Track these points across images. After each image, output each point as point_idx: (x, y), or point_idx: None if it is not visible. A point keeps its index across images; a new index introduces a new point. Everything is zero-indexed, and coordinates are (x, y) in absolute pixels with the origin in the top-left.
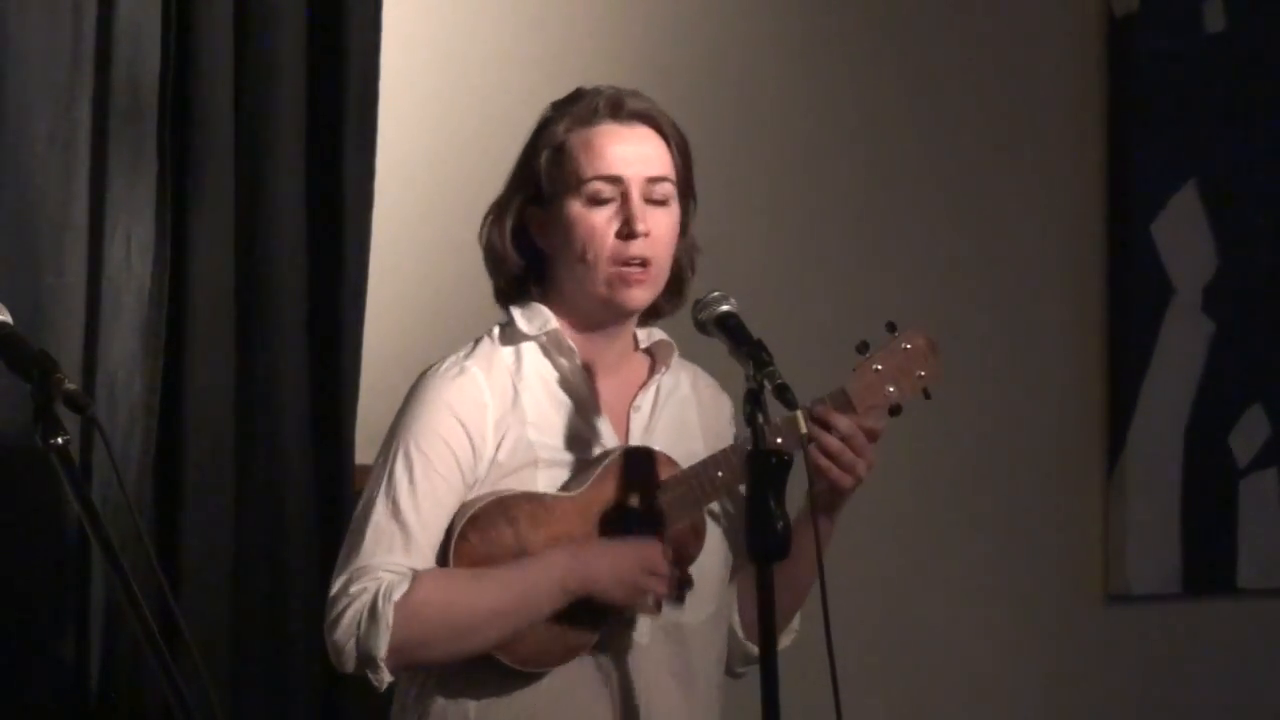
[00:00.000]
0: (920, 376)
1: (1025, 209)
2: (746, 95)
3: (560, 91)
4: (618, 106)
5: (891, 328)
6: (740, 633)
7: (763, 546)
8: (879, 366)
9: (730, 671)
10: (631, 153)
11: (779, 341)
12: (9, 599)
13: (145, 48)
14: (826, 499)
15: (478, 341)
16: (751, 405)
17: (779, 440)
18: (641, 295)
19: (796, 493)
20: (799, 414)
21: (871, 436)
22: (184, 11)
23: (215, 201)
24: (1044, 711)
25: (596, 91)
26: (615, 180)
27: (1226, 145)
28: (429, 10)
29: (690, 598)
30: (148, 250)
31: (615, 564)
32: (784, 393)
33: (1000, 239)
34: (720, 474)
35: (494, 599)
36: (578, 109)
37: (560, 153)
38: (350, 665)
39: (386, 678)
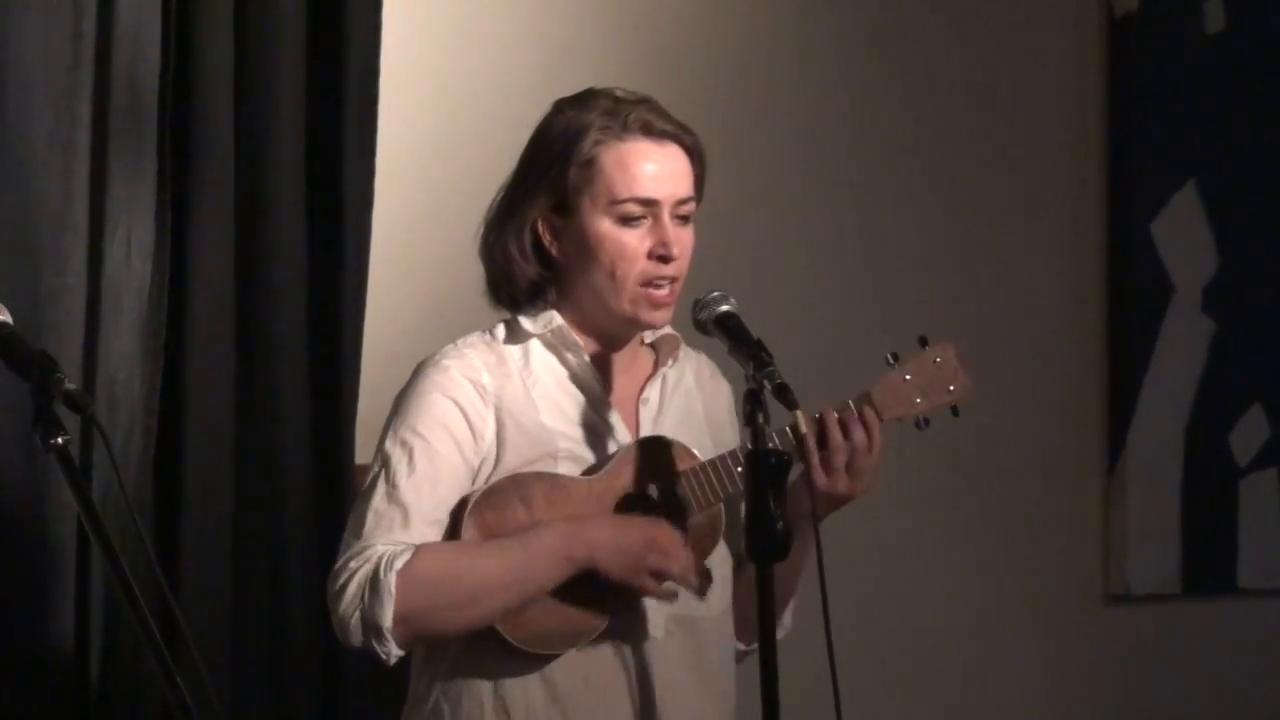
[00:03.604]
0: (950, 392)
1: (1025, 209)
2: (745, 94)
3: (560, 91)
4: (649, 126)
5: (923, 342)
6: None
7: (762, 547)
8: (908, 376)
9: None
10: (665, 174)
11: (778, 341)
12: (9, 599)
13: (145, 48)
14: (822, 502)
15: (479, 334)
16: (751, 405)
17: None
18: (665, 316)
19: None
20: (799, 414)
21: (873, 445)
22: (184, 11)
23: (215, 202)
24: (1044, 711)
25: (613, 98)
26: (649, 203)
27: (1226, 145)
28: (429, 10)
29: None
30: (148, 250)
31: (618, 536)
32: (784, 393)
33: (1000, 239)
34: (740, 469)
35: (496, 566)
36: (604, 120)
37: (590, 167)
38: (356, 638)
39: (393, 650)
